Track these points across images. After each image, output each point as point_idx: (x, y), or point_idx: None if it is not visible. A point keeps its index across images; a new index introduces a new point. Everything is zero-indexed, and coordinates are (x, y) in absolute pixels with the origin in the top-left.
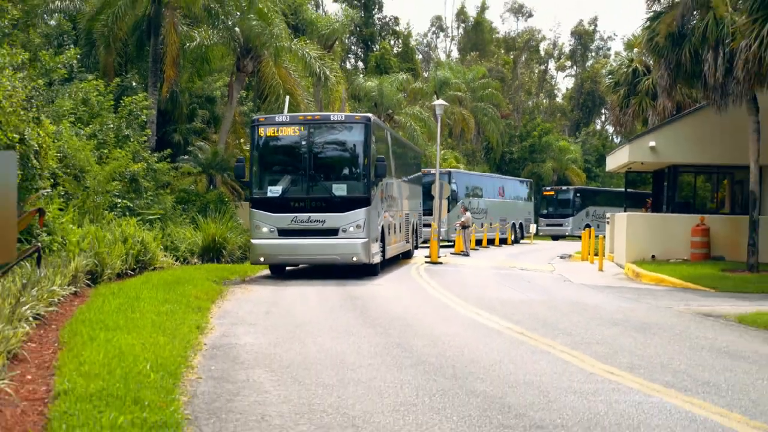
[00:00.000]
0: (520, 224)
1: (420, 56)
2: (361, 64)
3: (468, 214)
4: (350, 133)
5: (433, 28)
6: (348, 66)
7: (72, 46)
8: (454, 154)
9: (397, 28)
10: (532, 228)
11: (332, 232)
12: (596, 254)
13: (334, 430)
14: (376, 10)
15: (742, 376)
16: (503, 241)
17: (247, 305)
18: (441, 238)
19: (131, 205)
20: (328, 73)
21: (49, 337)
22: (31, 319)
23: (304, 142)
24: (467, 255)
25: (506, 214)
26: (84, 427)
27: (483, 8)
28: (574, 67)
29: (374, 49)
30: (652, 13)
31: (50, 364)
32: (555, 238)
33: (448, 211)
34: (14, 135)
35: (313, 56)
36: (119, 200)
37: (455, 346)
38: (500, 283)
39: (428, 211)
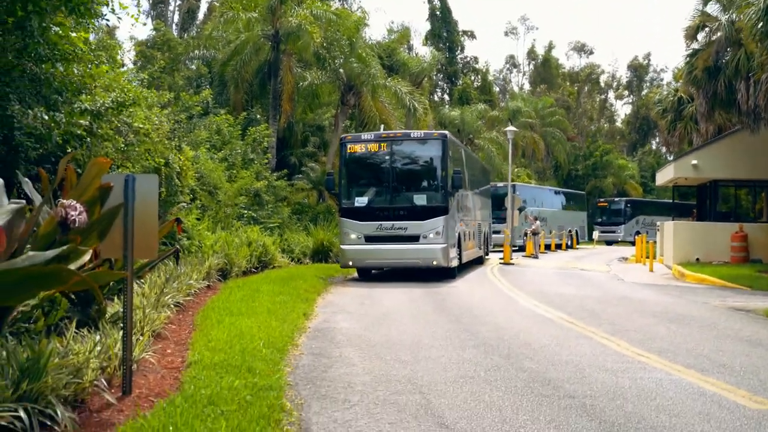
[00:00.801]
0: (576, 231)
1: (497, 89)
2: (447, 97)
3: (538, 222)
4: (428, 149)
5: (508, 65)
6: (436, 98)
7: (207, 86)
8: (527, 171)
9: (477, 66)
10: (595, 234)
11: (414, 239)
12: (648, 257)
13: (404, 395)
14: (458, 51)
15: (756, 360)
16: (559, 247)
17: (346, 298)
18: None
19: (255, 215)
20: (416, 105)
21: (186, 321)
22: (172, 306)
23: (387, 157)
24: (536, 257)
25: (563, 222)
26: (207, 387)
27: (550, 47)
28: (631, 96)
29: (457, 84)
30: (691, 51)
31: (185, 341)
32: (609, 243)
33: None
34: (161, 160)
35: (404, 91)
36: (245, 211)
37: (513, 331)
38: (560, 280)
39: (497, 220)
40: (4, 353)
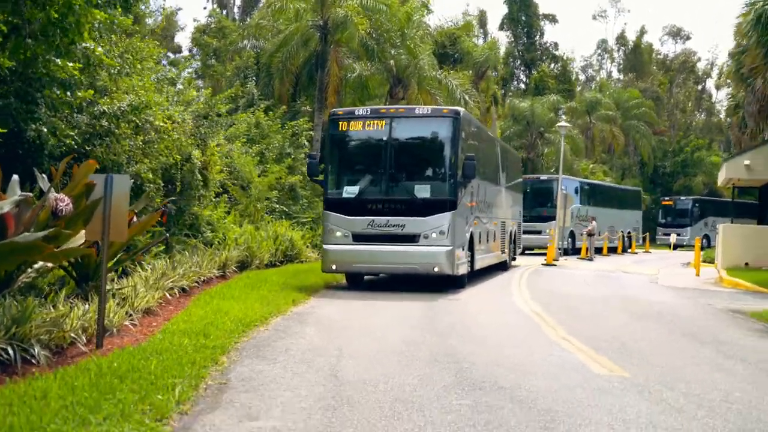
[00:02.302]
0: (628, 233)
1: (583, 78)
2: (523, 86)
3: (595, 223)
4: (437, 129)
5: (599, 51)
6: (512, 87)
7: (254, 78)
8: (603, 168)
9: (556, 53)
10: (669, 239)
11: (412, 239)
12: (711, 262)
13: (321, 357)
14: (537, 36)
15: (663, 347)
16: (612, 251)
17: (347, 292)
18: (560, 246)
19: (287, 210)
20: (467, 98)
21: (184, 303)
22: (175, 290)
23: (384, 138)
24: (591, 260)
25: (614, 222)
26: (161, 343)
27: (642, 33)
28: (729, 87)
29: (534, 72)
30: (740, 48)
31: (171, 317)
32: (675, 247)
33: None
34: (177, 156)
35: (455, 84)
36: (277, 206)
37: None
38: (586, 282)
39: (538, 219)
40: (1, 309)
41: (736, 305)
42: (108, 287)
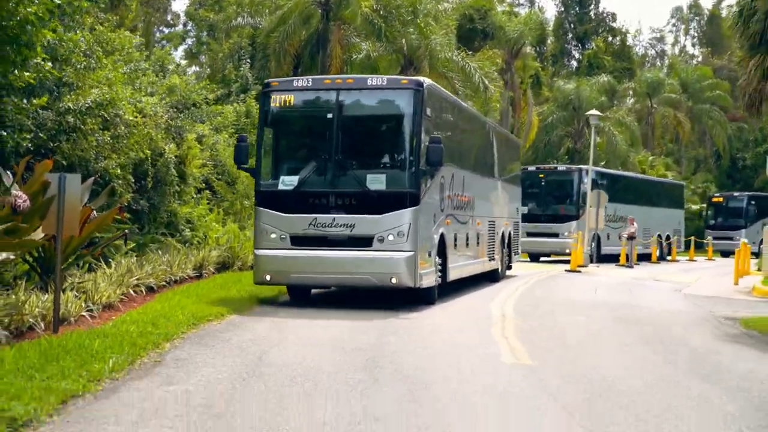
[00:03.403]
0: (667, 236)
1: (654, 53)
2: (574, 63)
3: (635, 224)
4: (394, 104)
5: (673, 20)
6: (564, 65)
7: (249, 60)
8: (665, 160)
9: (614, 25)
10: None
11: (364, 242)
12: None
13: (253, 347)
14: (592, 6)
15: (604, 347)
16: (643, 257)
17: (282, 309)
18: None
19: None
20: (487, 83)
21: (148, 300)
22: (142, 288)
23: (330, 115)
24: (631, 267)
25: (650, 223)
26: (113, 328)
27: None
28: None
29: (588, 47)
30: None
31: (130, 309)
32: (725, 254)
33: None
34: (148, 151)
35: (473, 66)
36: None
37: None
38: (599, 289)
39: (554, 218)
40: None
41: (738, 313)
42: (69, 281)
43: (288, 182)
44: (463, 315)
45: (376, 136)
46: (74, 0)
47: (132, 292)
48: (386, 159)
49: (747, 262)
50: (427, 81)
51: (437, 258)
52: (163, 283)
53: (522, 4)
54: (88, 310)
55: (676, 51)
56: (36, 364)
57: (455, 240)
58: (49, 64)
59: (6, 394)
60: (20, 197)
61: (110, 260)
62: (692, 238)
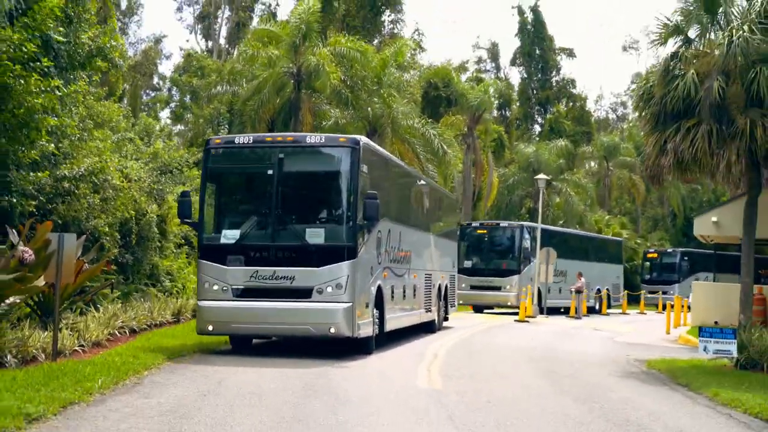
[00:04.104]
0: (607, 290)
1: (614, 117)
2: (537, 127)
3: (583, 279)
4: (332, 161)
5: (633, 86)
6: (527, 128)
7: (227, 126)
8: (621, 219)
9: (574, 91)
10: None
11: (304, 293)
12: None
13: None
14: (554, 73)
15: (509, 378)
16: (592, 310)
17: (219, 357)
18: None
19: None
20: (446, 148)
21: (131, 340)
22: (126, 330)
23: (270, 172)
24: (579, 318)
25: (590, 278)
26: (101, 359)
27: None
28: None
29: (551, 112)
30: None
31: (115, 346)
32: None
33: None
34: (132, 212)
35: (432, 133)
36: None
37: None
38: (537, 336)
39: (497, 273)
40: None
41: (651, 356)
42: (64, 322)
43: (230, 236)
44: (397, 359)
45: (315, 191)
46: (74, 92)
47: (117, 333)
48: (325, 214)
49: (684, 314)
50: (363, 139)
51: (375, 309)
52: (145, 326)
53: (489, 71)
54: (80, 346)
55: (636, 115)
56: (41, 381)
57: (392, 292)
58: (52, 145)
59: (20, 400)
60: (27, 252)
61: (99, 306)
62: (625, 292)
